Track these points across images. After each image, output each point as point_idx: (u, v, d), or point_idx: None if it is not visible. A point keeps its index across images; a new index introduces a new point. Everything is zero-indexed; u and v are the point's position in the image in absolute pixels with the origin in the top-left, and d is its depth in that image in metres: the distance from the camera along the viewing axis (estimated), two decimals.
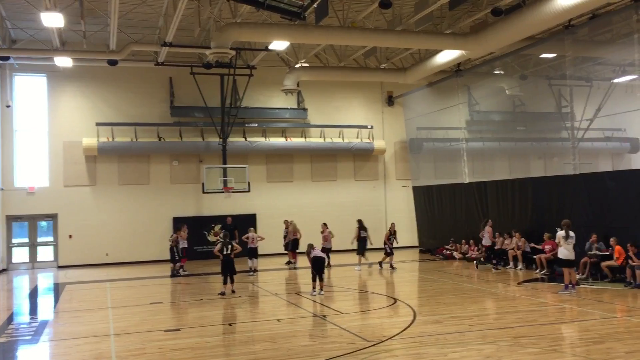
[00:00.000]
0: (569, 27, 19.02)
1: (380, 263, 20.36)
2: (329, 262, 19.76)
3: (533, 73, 25.16)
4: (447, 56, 21.25)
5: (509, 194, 20.90)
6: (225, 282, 15.54)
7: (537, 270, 17.90)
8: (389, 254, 20.26)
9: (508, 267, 19.32)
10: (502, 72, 25.53)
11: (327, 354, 8.99)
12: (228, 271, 15.48)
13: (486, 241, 20.11)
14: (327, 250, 20.15)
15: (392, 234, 20.53)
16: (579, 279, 15.65)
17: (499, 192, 21.45)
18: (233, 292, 15.53)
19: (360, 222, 20.86)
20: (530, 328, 10.50)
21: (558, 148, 24.21)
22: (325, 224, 21.41)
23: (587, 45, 21.31)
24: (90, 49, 22.02)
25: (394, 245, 20.51)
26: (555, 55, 22.31)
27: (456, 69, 24.26)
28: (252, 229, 20.57)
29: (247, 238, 19.80)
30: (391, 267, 20.15)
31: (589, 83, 22.94)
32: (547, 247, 17.65)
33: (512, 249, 19.42)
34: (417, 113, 27.15)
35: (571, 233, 14.07)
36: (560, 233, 14.18)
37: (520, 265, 18.90)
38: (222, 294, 15.39)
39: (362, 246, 20.63)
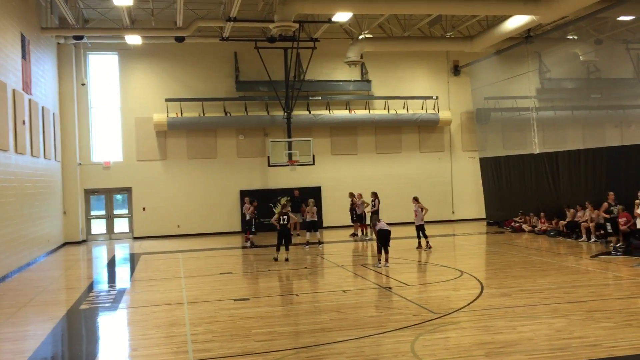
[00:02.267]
0: None
1: (614, 247, 16.33)
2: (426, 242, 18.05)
3: (609, 37, 23.87)
4: (516, 22, 20.49)
5: (582, 164, 20.17)
6: (278, 249, 16.47)
7: (612, 243, 17.26)
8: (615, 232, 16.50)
9: (581, 240, 18.73)
10: (576, 37, 24.36)
11: (394, 324, 9.04)
12: (284, 239, 16.38)
13: None
14: (419, 228, 18.02)
15: (611, 205, 16.83)
16: None
17: (572, 163, 20.72)
18: (287, 260, 16.20)
19: (375, 194, 20.78)
20: (604, 302, 10.19)
21: (636, 116, 23.05)
22: (416, 198, 18.49)
23: None
24: (158, 26, 22.53)
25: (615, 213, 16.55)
26: (633, 17, 21.08)
27: (526, 35, 23.33)
28: (310, 201, 20.78)
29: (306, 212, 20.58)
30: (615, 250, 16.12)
31: None
32: (622, 220, 16.95)
33: (585, 221, 18.78)
34: (485, 82, 26.39)
35: None
36: None
37: (593, 238, 18.29)
38: (275, 259, 16.35)
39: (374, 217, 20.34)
